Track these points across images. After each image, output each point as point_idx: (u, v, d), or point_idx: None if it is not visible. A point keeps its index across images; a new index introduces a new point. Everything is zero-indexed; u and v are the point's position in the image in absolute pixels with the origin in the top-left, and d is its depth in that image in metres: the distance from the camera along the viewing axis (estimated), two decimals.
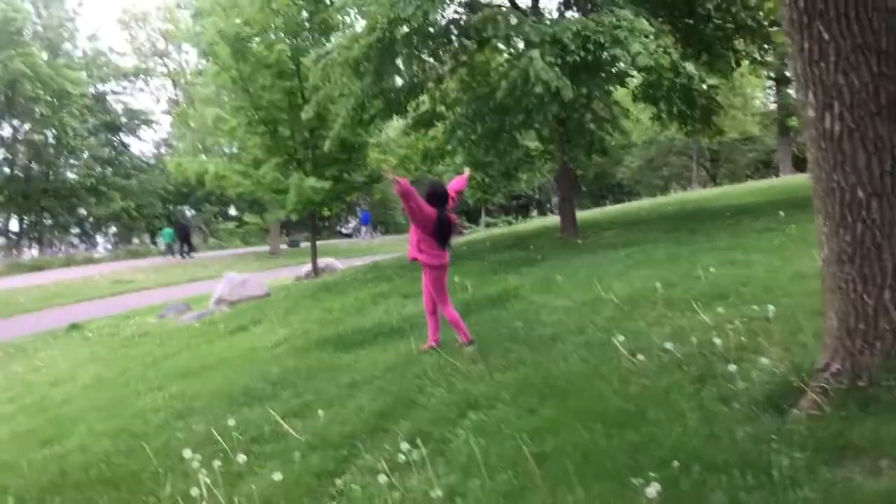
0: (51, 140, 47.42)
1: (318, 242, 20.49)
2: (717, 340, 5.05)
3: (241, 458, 4.37)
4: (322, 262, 20.90)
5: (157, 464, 5.04)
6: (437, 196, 6.76)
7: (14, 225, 50.85)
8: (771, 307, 5.57)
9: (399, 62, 13.80)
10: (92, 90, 50.77)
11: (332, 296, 12.35)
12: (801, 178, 25.85)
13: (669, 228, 12.78)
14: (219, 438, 5.13)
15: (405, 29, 13.15)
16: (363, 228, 49.71)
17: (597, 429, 4.23)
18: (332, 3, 17.12)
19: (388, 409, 5.33)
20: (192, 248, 38.30)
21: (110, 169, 52.23)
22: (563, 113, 12.16)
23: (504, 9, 13.68)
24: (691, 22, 13.65)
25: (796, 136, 42.58)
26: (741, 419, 3.99)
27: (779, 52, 27.47)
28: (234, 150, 30.88)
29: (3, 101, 44.86)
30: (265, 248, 41.57)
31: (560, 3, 14.76)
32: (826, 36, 3.91)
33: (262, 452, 4.96)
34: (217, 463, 4.39)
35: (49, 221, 50.78)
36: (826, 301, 4.16)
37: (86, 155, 48.98)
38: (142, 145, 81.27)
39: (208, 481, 4.22)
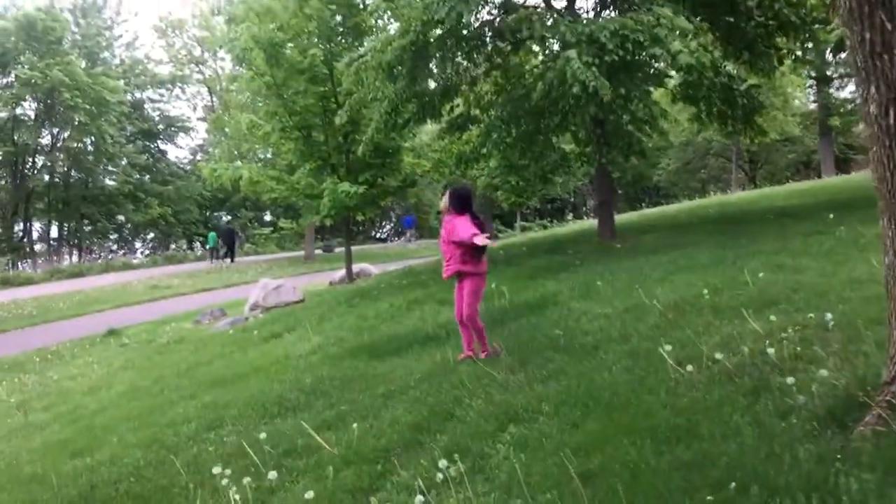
0: (89, 147, 48.11)
1: (352, 247, 20.38)
2: (771, 350, 4.78)
3: (273, 474, 4.18)
4: (356, 267, 20.79)
5: (186, 479, 4.91)
6: (465, 199, 6.68)
7: (54, 231, 51.73)
8: (826, 315, 5.28)
9: (432, 65, 13.62)
10: (129, 98, 51.49)
11: (366, 302, 12.20)
12: (844, 180, 25.24)
13: (711, 232, 12.43)
14: (250, 452, 4.97)
15: (438, 31, 13.00)
16: (408, 232, 49.74)
17: (646, 445, 4.00)
18: (365, 6, 17.04)
19: (423, 422, 5.13)
20: (233, 255, 38.52)
21: (148, 175, 52.93)
22: (600, 114, 11.90)
23: (539, 9, 13.43)
24: (732, 20, 13.27)
25: (838, 136, 41.76)
26: (801, 436, 3.73)
27: (820, 51, 26.89)
28: (269, 155, 31.06)
29: (42, 109, 45.64)
30: (300, 252, 41.68)
31: (596, 2, 14.47)
32: (889, 26, 3.64)
33: (295, 467, 4.80)
34: (247, 479, 4.23)
35: (88, 228, 51.57)
36: (890, 310, 3.86)
37: (124, 162, 49.59)
38: (178, 152, 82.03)
39: (238, 498, 4.06)
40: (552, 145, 14.70)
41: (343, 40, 17.59)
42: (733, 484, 3.30)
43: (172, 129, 57.15)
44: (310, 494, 3.88)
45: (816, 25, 14.37)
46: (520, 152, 14.20)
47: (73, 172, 50.17)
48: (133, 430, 6.92)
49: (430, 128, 20.63)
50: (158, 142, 57.12)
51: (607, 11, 14.01)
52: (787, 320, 5.57)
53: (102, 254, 51.39)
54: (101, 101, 43.61)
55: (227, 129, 40.37)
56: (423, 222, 56.65)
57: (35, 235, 51.21)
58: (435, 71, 13.77)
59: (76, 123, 44.57)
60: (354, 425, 5.17)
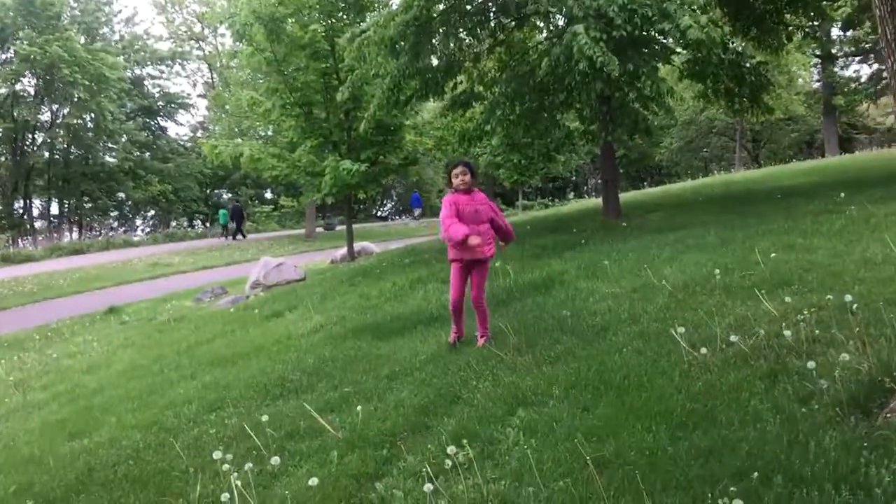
0: (89, 124, 47.77)
1: (353, 226, 20.22)
2: (787, 333, 4.63)
3: (276, 459, 4.05)
4: (358, 245, 20.66)
5: (187, 462, 4.78)
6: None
7: (55, 208, 51.56)
8: (843, 296, 5.13)
9: (436, 41, 13.38)
10: (129, 74, 51.06)
11: (368, 281, 12.05)
12: (850, 158, 25.04)
13: (718, 211, 12.28)
14: (252, 434, 4.84)
15: (442, 6, 12.78)
16: (416, 211, 49.63)
17: (661, 431, 3.87)
18: None
19: (430, 405, 5.00)
20: (244, 231, 39.00)
21: (148, 153, 52.66)
22: (607, 91, 11.68)
23: None
24: None
25: (841, 115, 41.47)
26: (824, 422, 3.60)
27: (826, 29, 26.60)
28: (270, 132, 30.83)
29: (42, 85, 45.26)
30: (301, 231, 41.57)
31: None
32: None
33: (298, 450, 4.66)
34: (249, 465, 4.10)
35: (89, 205, 51.37)
36: None
37: (124, 139, 49.26)
38: (178, 129, 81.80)
39: (239, 483, 3.93)
40: (557, 122, 14.47)
41: (344, 16, 17.31)
42: (756, 474, 3.17)
43: (172, 105, 56.78)
44: (313, 481, 3.75)
45: (825, 1, 14.13)
46: (524, 129, 13.97)
47: (73, 149, 49.88)
48: (132, 410, 6.79)
49: (431, 105, 20.40)
50: (158, 119, 56.81)
51: None
52: (801, 301, 5.44)
53: (103, 231, 51.24)
54: (100, 78, 43.21)
55: (227, 106, 40.10)
56: (423, 201, 56.45)
57: (35, 212, 51.06)
58: (438, 47, 13.52)
59: (76, 100, 44.20)
60: (359, 408, 5.04)
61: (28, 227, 47.29)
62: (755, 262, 7.17)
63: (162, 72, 56.28)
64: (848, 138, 44.72)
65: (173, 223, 53.60)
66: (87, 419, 6.89)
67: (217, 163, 18.45)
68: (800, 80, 41.63)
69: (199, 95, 60.29)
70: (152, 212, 56.67)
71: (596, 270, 8.49)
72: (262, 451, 4.66)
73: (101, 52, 44.49)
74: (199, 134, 56.85)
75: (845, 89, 36.30)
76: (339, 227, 42.24)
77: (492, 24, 14.62)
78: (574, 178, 65.03)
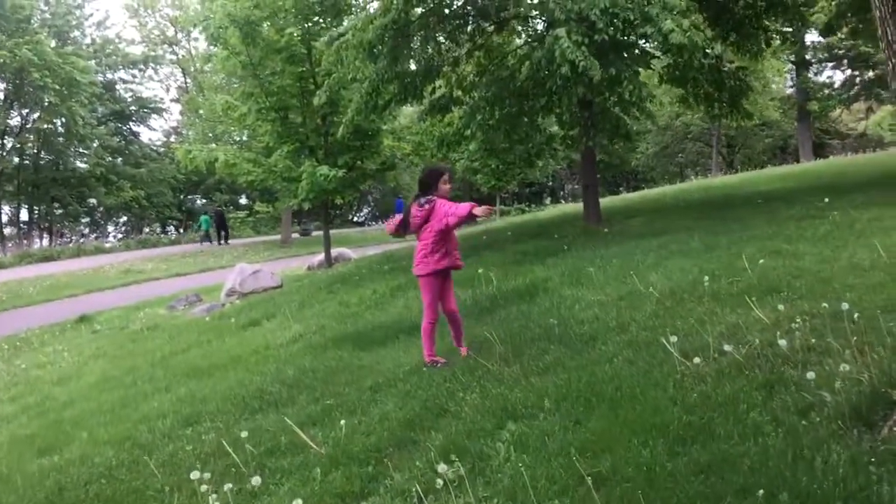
0: (60, 129, 47.00)
1: (330, 231, 19.98)
2: (783, 342, 4.52)
3: (256, 479, 3.86)
4: (335, 251, 20.45)
5: (162, 481, 4.57)
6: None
7: (24, 214, 50.66)
8: (836, 304, 5.04)
9: (414, 45, 13.23)
10: (101, 78, 50.34)
11: (347, 288, 11.86)
12: (826, 164, 25.22)
13: (698, 216, 12.22)
14: (230, 451, 4.64)
15: (420, 10, 12.64)
16: (398, 216, 49.36)
17: (658, 445, 3.73)
18: None
19: (416, 418, 4.83)
20: (228, 236, 39.12)
21: (120, 158, 51.86)
22: (588, 95, 11.59)
23: None
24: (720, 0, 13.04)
25: (815, 120, 41.89)
26: (826, 436, 3.47)
27: (800, 35, 26.80)
28: (245, 137, 30.49)
29: (11, 89, 44.49)
30: (276, 236, 41.20)
31: None
32: None
33: (279, 468, 4.47)
34: (229, 485, 3.90)
35: (59, 211, 50.51)
36: None
37: (95, 144, 48.49)
38: (151, 134, 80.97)
39: None
40: (538, 127, 14.37)
41: (321, 19, 17.13)
42: (761, 491, 3.04)
43: (145, 110, 56.07)
44: (297, 502, 3.56)
45: (804, 7, 14.18)
46: (504, 134, 13.85)
47: (43, 154, 49.01)
48: (104, 424, 6.55)
49: (408, 110, 20.25)
50: (131, 123, 56.02)
51: None
52: (792, 309, 5.34)
53: (74, 237, 50.43)
54: (71, 82, 42.55)
55: (201, 111, 39.68)
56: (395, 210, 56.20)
57: (4, 219, 50.03)
58: (417, 51, 13.37)
59: (46, 104, 43.47)
60: (342, 422, 4.85)
61: None
62: (742, 269, 7.09)
63: (134, 76, 55.63)
64: (821, 143, 45.15)
65: (146, 229, 52.93)
66: (58, 434, 6.64)
67: (191, 168, 18.19)
68: (774, 85, 41.98)
69: (173, 100, 59.79)
70: (124, 218, 55.90)
71: (580, 277, 8.37)
72: (241, 469, 4.47)
73: (72, 55, 43.81)
74: (172, 139, 56.19)
75: (819, 95, 36.66)
76: (315, 233, 41.93)
77: (470, 28, 14.50)
78: (551, 183, 65.15)
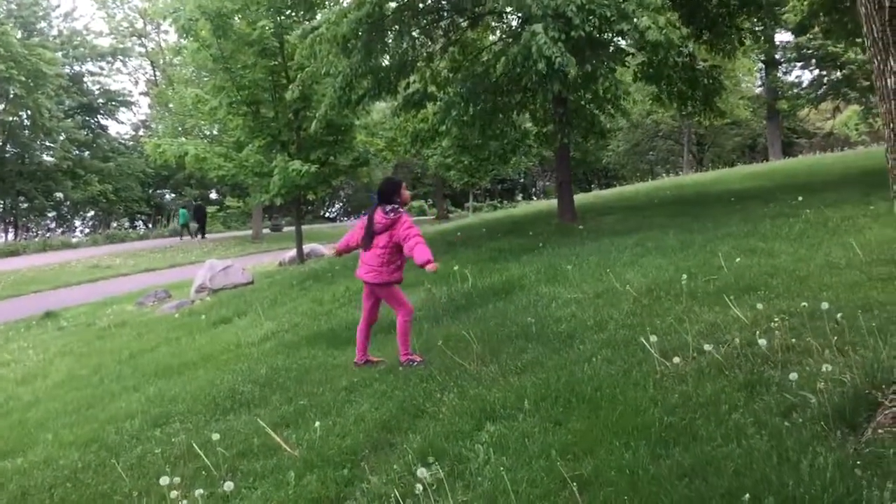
0: (25, 121, 46.06)
1: (302, 227, 19.78)
2: (762, 341, 4.49)
3: (229, 485, 3.73)
4: (307, 247, 20.25)
5: (130, 485, 4.42)
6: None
7: None
8: (814, 303, 5.03)
9: (389, 39, 13.11)
10: (68, 71, 49.45)
11: (320, 285, 11.71)
12: (796, 162, 25.46)
13: (673, 214, 12.25)
14: (200, 453, 4.50)
15: (394, 4, 12.51)
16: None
17: (640, 447, 3.67)
18: None
19: (392, 419, 4.73)
20: (203, 231, 39.06)
21: (87, 152, 50.99)
22: (564, 92, 11.54)
23: None
24: None
25: (783, 119, 42.33)
26: (810, 438, 3.43)
27: (769, 35, 27.03)
28: (216, 132, 30.13)
29: None
30: (247, 232, 40.79)
31: None
32: None
33: (251, 471, 4.35)
34: (199, 490, 3.76)
35: (25, 205, 49.52)
36: None
37: (62, 137, 47.59)
38: (120, 128, 79.68)
39: None
40: (513, 123, 14.31)
41: (293, 13, 16.92)
42: (747, 495, 2.98)
43: (113, 103, 55.14)
44: None
45: (776, 7, 14.26)
46: (479, 130, 13.77)
47: (8, 147, 47.96)
48: (70, 425, 6.36)
49: (381, 105, 20.10)
50: (99, 117, 55.07)
51: None
52: (770, 307, 5.33)
53: (40, 232, 49.40)
54: (37, 74, 41.66)
55: (171, 105, 39.13)
56: (371, 203, 55.83)
57: None
58: (391, 45, 13.25)
59: (11, 96, 42.55)
60: (316, 423, 4.73)
61: None
62: (718, 267, 7.09)
63: (102, 68, 54.64)
64: (789, 142, 45.64)
65: (114, 224, 52.06)
66: (22, 435, 6.44)
67: (160, 162, 17.92)
68: (743, 84, 42.34)
69: (142, 93, 58.97)
70: (92, 212, 54.94)
71: (556, 274, 8.32)
72: (212, 472, 4.33)
73: (39, 47, 42.89)
74: (141, 133, 55.37)
75: (788, 94, 37.05)
76: (286, 229, 41.58)
77: (445, 23, 14.41)
78: (523, 180, 65.26)
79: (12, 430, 6.77)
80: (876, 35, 3.51)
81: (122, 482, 4.50)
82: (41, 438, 6.11)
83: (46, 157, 48.41)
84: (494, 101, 13.18)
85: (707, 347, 4.62)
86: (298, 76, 14.50)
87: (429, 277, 9.35)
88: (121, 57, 54.74)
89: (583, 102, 13.21)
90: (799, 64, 37.88)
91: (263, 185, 16.90)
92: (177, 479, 3.98)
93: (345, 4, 13.11)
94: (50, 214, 52.42)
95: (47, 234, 46.26)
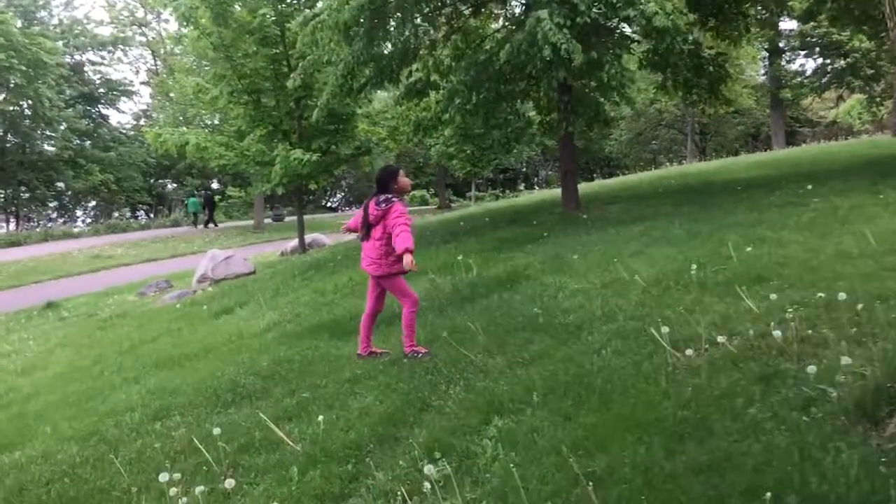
0: (26, 111, 45.88)
1: (304, 217, 19.66)
2: (777, 332, 4.37)
3: (229, 482, 3.63)
4: (308, 237, 20.15)
5: (129, 480, 4.32)
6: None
7: None
8: (826, 293, 4.92)
9: (391, 27, 12.95)
10: (69, 60, 49.24)
11: (322, 275, 11.59)
12: (801, 150, 25.28)
13: (678, 203, 12.10)
14: (201, 448, 4.40)
15: None
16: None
17: (654, 443, 3.55)
18: None
19: (397, 413, 4.62)
20: (215, 220, 39.31)
21: (88, 141, 50.80)
22: (570, 79, 11.38)
23: None
24: None
25: (786, 108, 42.10)
26: (831, 433, 3.32)
27: (774, 22, 26.81)
28: (217, 121, 29.98)
29: None
30: (249, 222, 40.69)
31: None
32: None
33: (253, 466, 4.25)
34: (200, 488, 3.66)
35: (26, 195, 49.39)
36: None
37: (63, 126, 47.42)
38: (121, 117, 79.29)
39: None
40: (517, 112, 14.16)
41: (295, 0, 16.75)
42: (768, 494, 2.86)
43: (114, 93, 54.88)
44: None
45: None
46: (483, 119, 13.62)
47: (9, 137, 47.80)
48: (69, 418, 6.26)
49: (382, 94, 19.96)
50: (100, 106, 54.85)
51: None
52: (782, 298, 5.19)
53: (41, 222, 49.38)
54: (38, 63, 41.45)
55: (171, 94, 38.98)
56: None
57: None
58: (393, 33, 13.10)
59: (12, 86, 42.34)
60: (320, 417, 4.62)
61: None
62: (727, 257, 6.96)
63: (103, 58, 54.39)
64: (791, 131, 45.39)
65: (115, 214, 51.98)
66: (20, 428, 6.34)
67: (161, 152, 17.81)
68: (747, 73, 42.09)
69: (143, 83, 58.67)
70: (93, 202, 54.80)
71: (562, 264, 8.19)
72: (213, 468, 4.23)
73: (39, 36, 42.69)
74: (142, 122, 55.15)
75: (792, 83, 36.82)
76: (288, 218, 41.46)
77: (447, 10, 14.25)
78: (525, 169, 65.08)
79: (11, 422, 6.68)
80: None
81: (120, 478, 4.40)
82: (40, 431, 6.02)
83: (47, 147, 48.27)
84: (497, 89, 13.02)
85: (720, 339, 4.51)
86: (300, 64, 14.36)
87: (432, 267, 9.28)
88: (121, 46, 54.53)
89: (587, 90, 13.04)
90: (802, 52, 37.63)
91: (265, 175, 16.78)
92: (177, 475, 3.89)
93: None
94: (51, 204, 52.31)
95: (49, 225, 46.25)
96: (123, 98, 56.38)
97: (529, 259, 8.98)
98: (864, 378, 3.67)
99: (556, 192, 18.60)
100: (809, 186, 10.22)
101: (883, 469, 2.94)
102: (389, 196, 5.83)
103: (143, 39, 55.26)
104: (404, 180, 5.99)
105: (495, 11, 15.86)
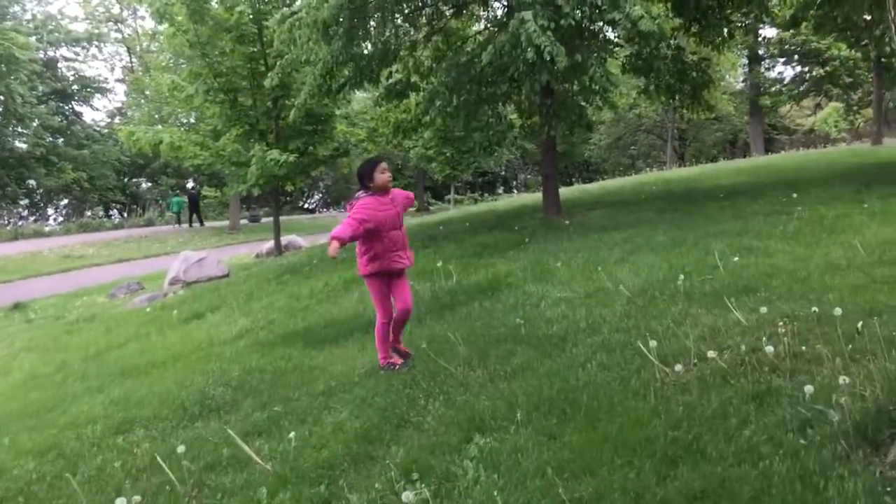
0: None
1: (280, 218, 19.35)
2: (770, 348, 4.20)
3: None
4: (285, 238, 19.84)
5: (85, 501, 4.04)
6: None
7: None
8: (817, 306, 4.76)
9: (371, 26, 12.73)
10: (41, 56, 48.45)
11: (298, 279, 11.32)
12: (779, 158, 25.36)
13: (661, 209, 11.97)
14: (164, 466, 4.13)
15: None
16: None
17: (645, 466, 3.36)
18: None
19: (373, 429, 4.38)
20: (200, 219, 39.10)
21: (61, 139, 50.04)
22: (553, 82, 11.22)
23: None
24: None
25: (766, 115, 42.38)
26: (831, 459, 3.14)
27: (754, 29, 26.89)
28: (192, 119, 29.56)
29: None
30: (224, 222, 40.20)
31: None
32: None
33: (219, 486, 3.99)
34: None
35: None
36: None
37: (35, 123, 46.63)
38: (95, 114, 78.30)
39: None
40: (498, 115, 13.98)
41: None
42: None
43: (88, 90, 54.15)
44: None
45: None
46: (464, 121, 13.42)
47: None
48: (29, 430, 5.95)
49: (361, 95, 19.73)
50: (73, 103, 54.09)
51: None
52: (772, 310, 5.03)
53: (11, 220, 48.49)
54: (10, 59, 40.69)
55: (147, 92, 38.42)
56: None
57: None
58: (373, 33, 12.87)
59: None
60: (291, 434, 4.38)
61: None
62: (713, 266, 6.80)
63: (77, 54, 53.63)
64: (769, 138, 45.70)
65: (88, 213, 51.19)
66: None
67: (135, 150, 17.45)
68: (727, 79, 42.33)
69: (118, 80, 57.92)
70: (65, 200, 53.97)
71: (544, 272, 8.00)
72: (176, 488, 3.97)
73: (12, 31, 41.94)
74: (116, 120, 54.40)
75: (771, 90, 37.06)
76: (264, 219, 41.02)
77: (428, 10, 14.05)
78: (504, 172, 64.99)
79: None
80: None
81: (76, 498, 4.13)
82: None
83: (19, 144, 47.43)
84: (479, 91, 12.83)
85: (710, 354, 4.33)
86: (278, 63, 14.09)
87: (412, 273, 9.04)
88: (96, 42, 53.80)
89: (570, 94, 12.88)
90: (781, 60, 37.91)
91: (241, 175, 16.48)
92: (136, 498, 3.63)
93: None
94: (22, 202, 51.43)
95: (19, 223, 45.42)
96: (98, 95, 55.70)
97: (511, 266, 8.78)
98: (864, 399, 3.50)
99: (537, 196, 18.45)
100: (794, 195, 10.10)
101: (888, 500, 2.77)
102: (361, 193, 5.48)
103: (119, 36, 54.60)
104: (381, 176, 5.42)
105: (477, 13, 15.69)
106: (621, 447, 3.57)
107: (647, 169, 38.09)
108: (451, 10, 14.33)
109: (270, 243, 19.47)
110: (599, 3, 9.50)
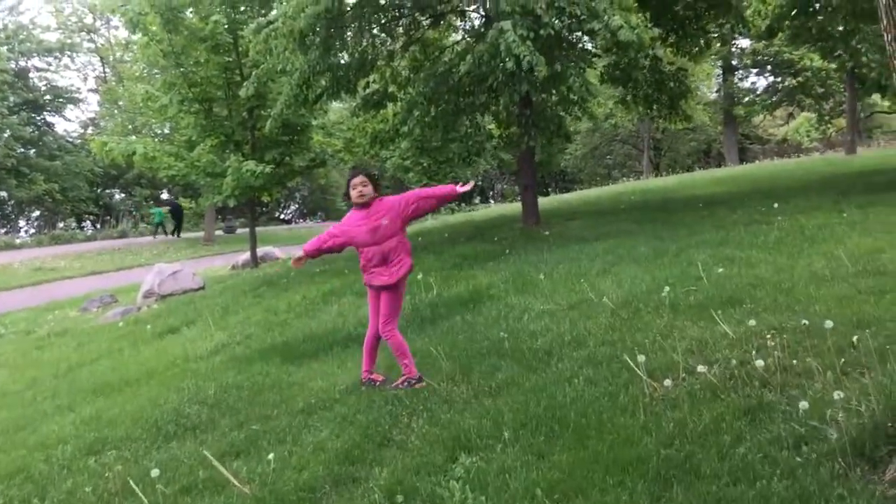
0: None
1: (256, 229, 19.12)
2: (760, 362, 4.13)
3: None
4: (261, 250, 19.61)
5: None
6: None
7: None
8: (803, 317, 4.70)
9: (348, 36, 12.62)
10: (13, 66, 47.79)
11: (275, 292, 11.13)
12: (754, 168, 25.56)
13: (641, 220, 11.94)
14: (137, 490, 3.97)
15: None
16: None
17: (637, 486, 3.26)
18: None
19: (355, 449, 4.25)
20: (179, 230, 39.17)
21: (33, 149, 49.28)
22: (532, 93, 11.16)
23: None
24: None
25: (739, 125, 42.76)
26: (829, 477, 3.05)
27: (728, 41, 27.12)
28: (167, 130, 29.22)
29: None
30: (199, 234, 39.76)
31: None
32: None
33: None
34: None
35: None
36: None
37: (6, 134, 45.91)
38: (67, 125, 77.34)
39: None
40: (476, 125, 13.91)
41: (248, 8, 16.30)
42: None
43: (60, 100, 53.43)
44: None
45: (745, 2, 14.13)
46: (442, 132, 13.32)
47: None
48: None
49: (338, 106, 19.58)
50: (45, 114, 53.33)
51: None
52: (759, 322, 4.96)
53: None
54: None
55: (120, 102, 37.98)
56: (329, 204, 55.12)
57: None
58: (350, 43, 12.76)
59: None
60: (270, 455, 4.23)
61: None
62: (696, 277, 6.74)
63: (49, 64, 52.89)
64: (742, 148, 46.11)
65: (60, 224, 50.44)
66: None
67: (108, 161, 17.16)
68: (701, 89, 42.67)
69: (90, 90, 57.24)
70: (37, 212, 53.19)
71: (526, 284, 7.91)
72: None
73: None
74: (89, 130, 53.74)
75: (745, 100, 37.41)
76: (240, 231, 40.65)
77: (406, 21, 13.97)
78: (481, 182, 64.98)
79: None
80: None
81: None
82: None
83: None
84: (457, 101, 12.76)
85: (700, 368, 4.24)
86: (253, 73, 13.92)
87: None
88: (69, 52, 53.06)
89: (549, 105, 12.84)
90: (755, 70, 38.29)
91: (216, 186, 16.24)
92: None
93: None
94: None
95: None
96: (70, 105, 54.95)
97: (492, 277, 8.67)
98: (860, 415, 3.42)
99: (515, 206, 18.39)
100: (775, 205, 10.08)
101: None
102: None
103: (92, 46, 53.95)
104: (352, 192, 5.30)
105: (454, 24, 15.63)
106: (612, 466, 3.47)
107: (624, 179, 38.25)
108: (429, 21, 14.26)
109: (246, 255, 19.23)
110: (579, 13, 9.43)
